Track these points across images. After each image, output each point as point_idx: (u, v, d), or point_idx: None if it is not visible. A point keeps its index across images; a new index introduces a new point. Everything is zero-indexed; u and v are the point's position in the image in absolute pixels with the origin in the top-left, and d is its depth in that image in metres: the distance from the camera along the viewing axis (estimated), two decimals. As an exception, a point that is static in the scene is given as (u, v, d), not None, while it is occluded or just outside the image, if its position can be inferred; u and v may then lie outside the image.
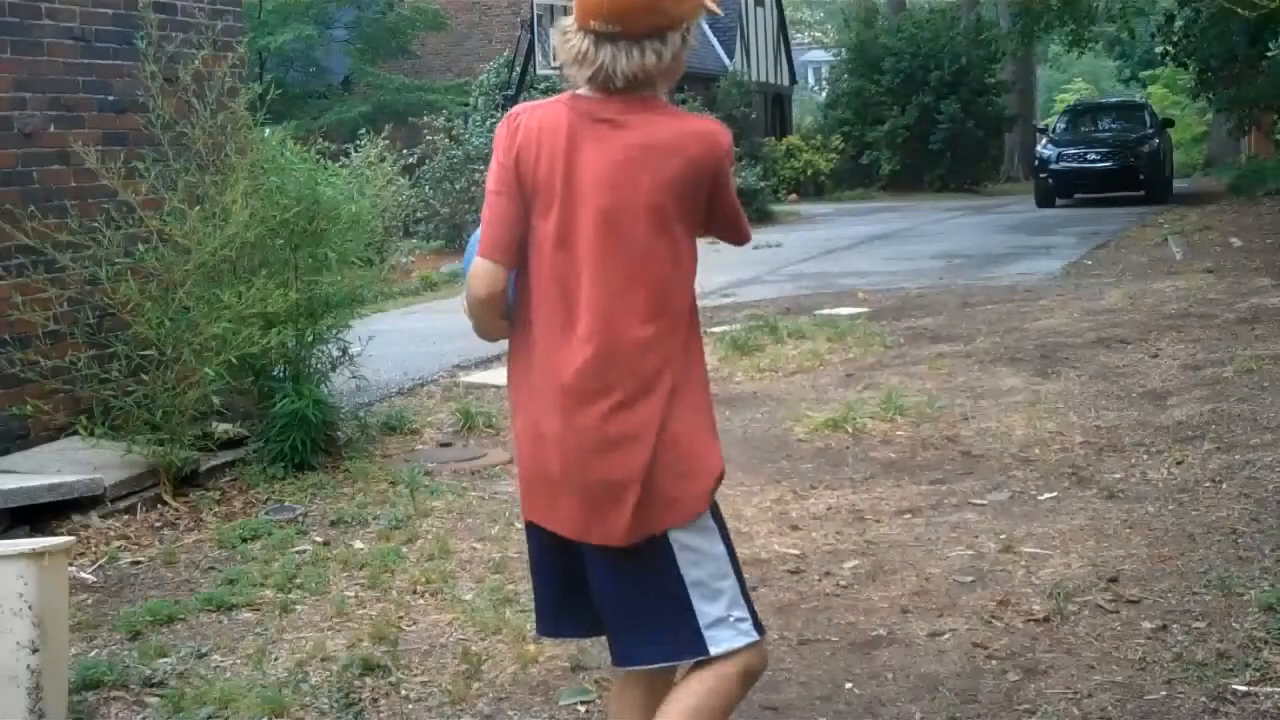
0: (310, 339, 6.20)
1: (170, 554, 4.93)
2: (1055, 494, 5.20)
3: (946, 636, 3.84)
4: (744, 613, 2.40)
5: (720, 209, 2.44)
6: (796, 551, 4.69)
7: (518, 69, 16.03)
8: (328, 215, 6.11)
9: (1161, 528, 4.66)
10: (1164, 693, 3.36)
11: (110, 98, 6.09)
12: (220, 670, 3.83)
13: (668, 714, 2.37)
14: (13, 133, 5.62)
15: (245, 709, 3.52)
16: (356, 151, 7.58)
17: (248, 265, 5.94)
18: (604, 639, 2.55)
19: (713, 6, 2.41)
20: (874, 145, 29.31)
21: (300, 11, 20.63)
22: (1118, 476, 5.35)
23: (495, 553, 4.80)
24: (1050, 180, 21.77)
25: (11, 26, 5.62)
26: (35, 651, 3.27)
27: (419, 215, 17.28)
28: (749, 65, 30.70)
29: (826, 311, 10.26)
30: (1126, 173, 21.31)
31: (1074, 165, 21.57)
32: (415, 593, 4.43)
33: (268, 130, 7.00)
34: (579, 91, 2.38)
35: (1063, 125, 23.90)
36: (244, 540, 5.05)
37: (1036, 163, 22.99)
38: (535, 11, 17.62)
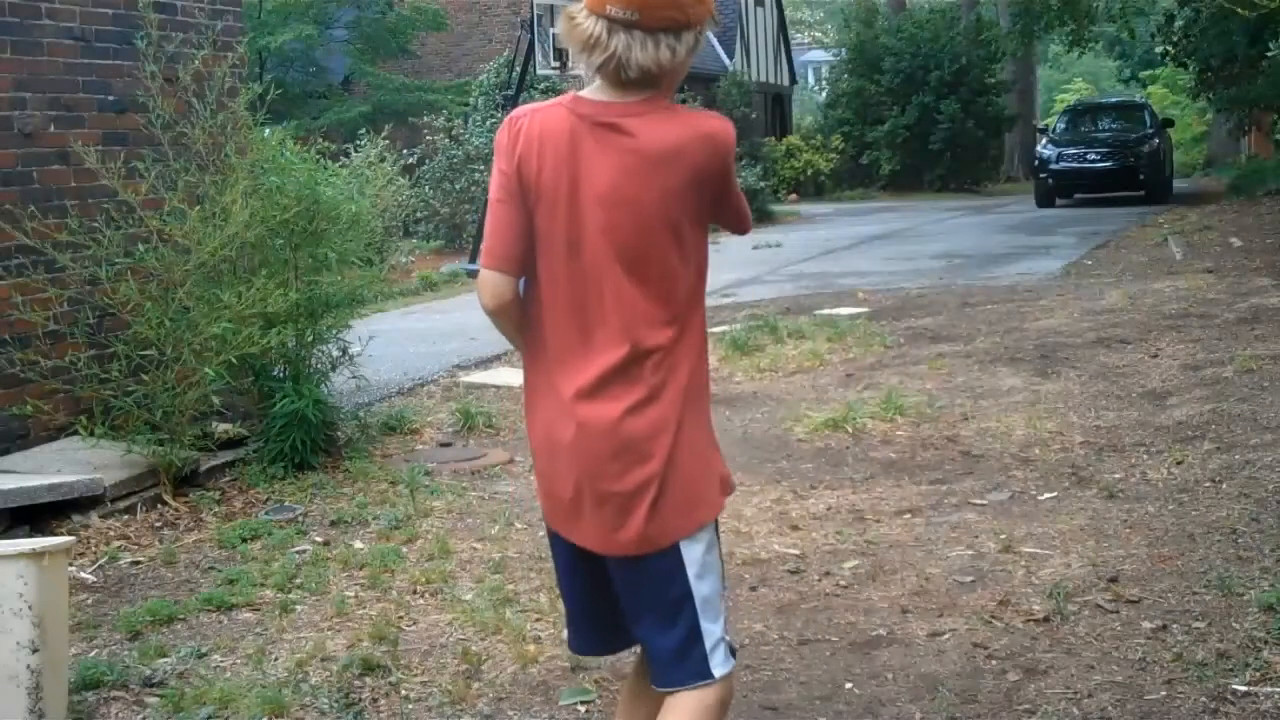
0: (310, 339, 6.20)
1: (170, 554, 4.93)
2: (1055, 494, 5.20)
3: (946, 636, 3.84)
4: (727, 635, 2.39)
5: (727, 203, 2.42)
6: (796, 551, 4.69)
7: (518, 69, 16.01)
8: (328, 215, 6.11)
9: (1161, 528, 4.66)
10: (1164, 693, 3.36)
11: (110, 98, 6.09)
12: (220, 670, 3.83)
13: None
14: (13, 133, 5.62)
15: (245, 709, 3.52)
16: (356, 151, 7.59)
17: (248, 265, 5.94)
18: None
19: (717, 17, 2.40)
20: (874, 145, 29.31)
21: (300, 11, 20.62)
22: (1118, 476, 5.35)
23: (495, 553, 4.80)
24: (1050, 180, 21.77)
25: (11, 26, 5.62)
26: (35, 651, 3.27)
27: (419, 215, 17.27)
28: (749, 65, 30.70)
29: (826, 311, 10.26)
30: (1126, 173, 21.30)
31: (1074, 165, 21.57)
32: (415, 593, 4.43)
33: (268, 130, 7.00)
34: (582, 93, 2.33)
35: (1063, 125, 23.90)
36: (244, 540, 5.05)
37: (1036, 163, 22.98)
38: (535, 11, 17.60)
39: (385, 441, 6.65)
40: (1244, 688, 3.34)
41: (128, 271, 5.60)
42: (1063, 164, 21.65)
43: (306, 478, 5.84)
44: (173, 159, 5.85)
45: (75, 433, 5.56)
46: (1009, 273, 12.56)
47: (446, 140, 18.51)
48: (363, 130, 13.03)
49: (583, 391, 2.29)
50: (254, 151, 6.13)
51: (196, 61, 6.01)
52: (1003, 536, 4.67)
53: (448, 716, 3.50)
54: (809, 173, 28.51)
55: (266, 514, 5.40)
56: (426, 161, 18.30)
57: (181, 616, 4.26)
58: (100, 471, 5.33)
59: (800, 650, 3.82)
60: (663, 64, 2.25)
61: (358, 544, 5.00)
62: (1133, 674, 3.48)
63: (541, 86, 19.18)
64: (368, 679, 3.72)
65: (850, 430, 6.35)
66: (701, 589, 2.32)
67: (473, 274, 15.00)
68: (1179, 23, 21.52)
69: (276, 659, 3.90)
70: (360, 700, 3.59)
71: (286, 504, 5.53)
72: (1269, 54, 14.89)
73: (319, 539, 5.09)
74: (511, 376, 8.05)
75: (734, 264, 14.00)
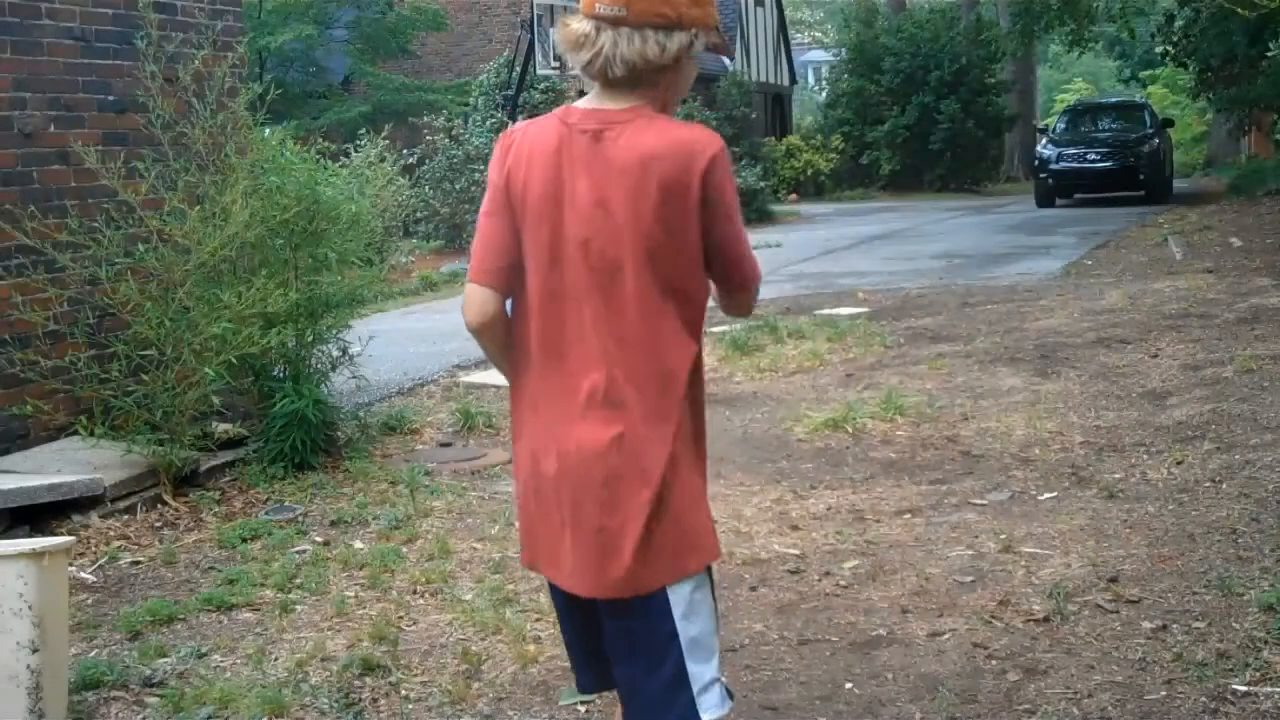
0: (310, 339, 6.20)
1: (170, 554, 4.93)
2: (1055, 494, 5.20)
3: (946, 636, 3.84)
4: (722, 676, 2.30)
5: (712, 236, 2.22)
6: (796, 551, 4.69)
7: (518, 69, 16.02)
8: (328, 215, 6.12)
9: (1161, 528, 4.66)
10: (1164, 693, 3.36)
11: (110, 98, 6.09)
12: (220, 670, 3.83)
13: None
14: (13, 133, 5.62)
15: (245, 709, 3.52)
16: (356, 151, 7.59)
17: (248, 265, 5.94)
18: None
19: (721, 41, 2.33)
20: (874, 145, 29.31)
21: (300, 11, 20.61)
22: (1118, 476, 5.35)
23: (495, 553, 4.80)
24: (1050, 180, 21.77)
25: (11, 26, 5.62)
26: (35, 651, 3.28)
27: (419, 215, 17.27)
28: (749, 65, 30.69)
29: (826, 311, 10.26)
30: (1126, 173, 21.30)
31: (1074, 165, 21.57)
32: (415, 593, 4.43)
33: (268, 130, 7.00)
34: (575, 103, 2.28)
35: (1063, 125, 23.90)
36: (244, 540, 5.05)
37: (1036, 163, 22.97)
38: (535, 11, 17.62)
39: (385, 441, 6.65)
40: (1244, 688, 3.34)
41: (128, 271, 5.60)
42: (1063, 164, 21.65)
43: (306, 478, 5.84)
44: (173, 159, 5.85)
45: (75, 433, 5.56)
46: (1009, 273, 12.56)
47: (446, 140, 18.51)
48: (363, 130, 13.02)
49: (566, 417, 2.21)
50: (254, 151, 6.13)
51: (196, 61, 6.01)
52: (1003, 536, 4.67)
53: (448, 716, 3.50)
54: (809, 173, 28.51)
55: (266, 514, 5.40)
56: (426, 161, 18.30)
57: (181, 616, 4.26)
58: (100, 471, 5.32)
59: (800, 650, 3.82)
60: (649, 59, 2.20)
61: (358, 544, 5.00)
62: (1133, 674, 3.48)
63: (541, 86, 19.18)
64: (368, 679, 3.72)
65: (850, 430, 6.35)
66: (689, 630, 2.22)
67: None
68: (1179, 23, 21.51)
69: (276, 659, 3.90)
70: (360, 700, 3.59)
71: (286, 504, 5.53)
72: (1269, 54, 14.87)
73: (319, 539, 5.09)
74: (511, 376, 8.04)
75: (734, 264, 13.98)
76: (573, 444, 2.21)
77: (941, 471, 5.66)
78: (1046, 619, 3.90)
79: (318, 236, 6.11)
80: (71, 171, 5.84)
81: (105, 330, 5.77)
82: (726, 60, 28.77)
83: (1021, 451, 5.84)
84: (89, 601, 4.47)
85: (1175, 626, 3.77)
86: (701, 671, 2.23)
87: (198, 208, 5.71)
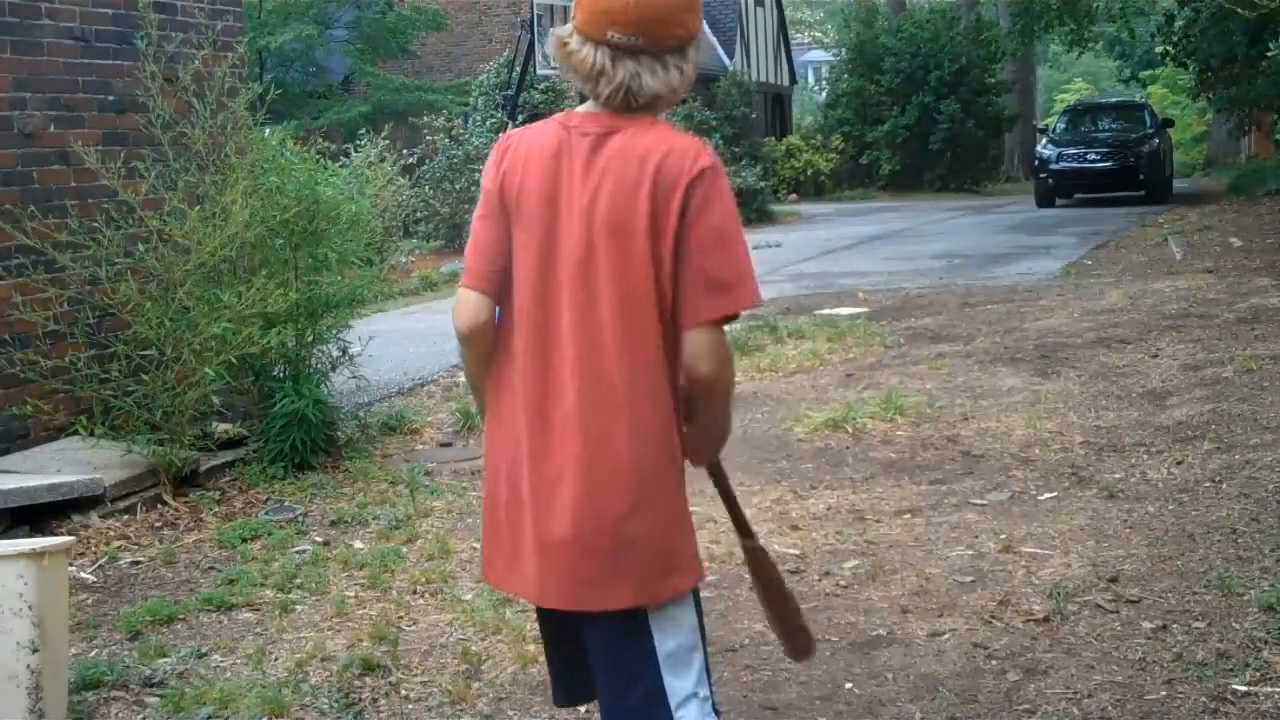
0: (310, 339, 6.20)
1: (170, 554, 4.93)
2: (1055, 494, 5.20)
3: (946, 636, 3.84)
4: (707, 691, 2.23)
5: (692, 243, 2.10)
6: (796, 551, 4.69)
7: (518, 69, 16.02)
8: (328, 215, 6.12)
9: (1161, 528, 4.66)
10: (1164, 693, 3.36)
11: (110, 98, 6.09)
12: (220, 670, 3.83)
13: None
14: (13, 133, 5.62)
15: (245, 709, 3.52)
16: (356, 151, 7.59)
17: (248, 265, 5.94)
18: None
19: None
20: (874, 145, 29.31)
21: (300, 11, 20.60)
22: (1118, 476, 5.35)
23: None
24: (1050, 180, 21.77)
25: (11, 26, 5.62)
26: (35, 651, 3.28)
27: (419, 215, 17.27)
28: (749, 65, 30.69)
29: (826, 311, 10.26)
30: (1126, 173, 21.30)
31: (1074, 165, 21.57)
32: (415, 593, 4.43)
33: (268, 130, 7.00)
34: (576, 109, 2.24)
35: (1063, 125, 23.90)
36: (244, 540, 5.05)
37: (1036, 163, 22.98)
38: (535, 11, 17.62)
39: (385, 441, 6.66)
40: (1244, 688, 3.34)
41: (128, 271, 5.60)
42: (1063, 164, 21.65)
43: (306, 478, 5.85)
44: (173, 159, 5.86)
45: (75, 433, 5.56)
46: (1009, 273, 12.56)
47: (446, 140, 18.51)
48: (363, 130, 13.01)
49: (543, 427, 2.16)
50: (254, 151, 6.13)
51: (196, 61, 6.01)
52: (1003, 536, 4.67)
53: (448, 716, 3.50)
54: (809, 173, 28.50)
55: (266, 514, 5.40)
56: (426, 161, 18.29)
57: (181, 616, 4.26)
58: (100, 471, 5.32)
59: (800, 650, 3.82)
60: (675, 87, 2.17)
61: (358, 544, 5.00)
62: (1133, 674, 3.48)
63: (541, 86, 19.18)
64: (368, 679, 3.72)
65: (850, 430, 6.35)
66: (666, 644, 2.18)
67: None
68: (1179, 23, 21.49)
69: (276, 659, 3.90)
70: (360, 700, 3.59)
71: (286, 504, 5.53)
72: (1269, 54, 14.83)
73: (319, 539, 5.09)
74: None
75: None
76: (547, 453, 2.16)
77: (941, 471, 5.66)
78: (1046, 619, 3.90)
79: (318, 236, 6.11)
80: (71, 171, 5.84)
81: (105, 330, 5.78)
82: (726, 60, 28.78)
83: (1021, 451, 5.84)
84: (89, 601, 4.47)
85: (1175, 626, 3.77)
86: (680, 686, 2.18)
87: (198, 208, 5.71)
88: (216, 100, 5.99)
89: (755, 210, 21.10)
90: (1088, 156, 21.61)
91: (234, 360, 5.57)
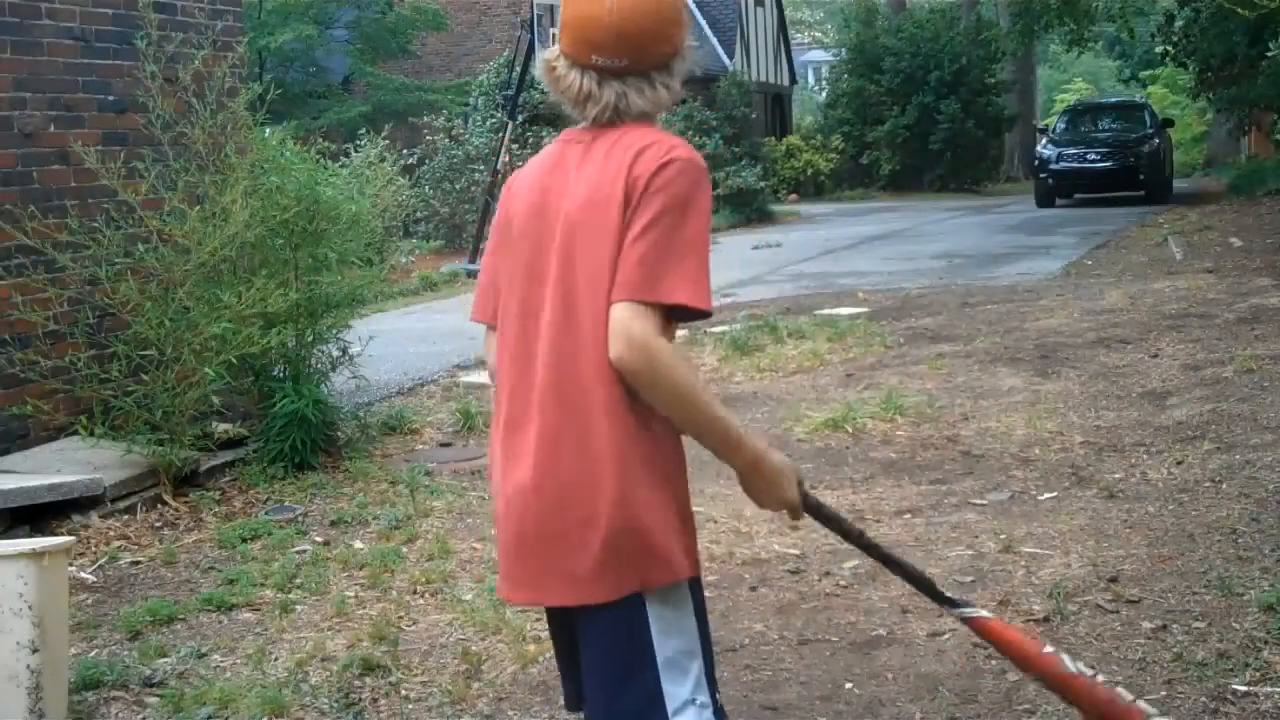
0: (310, 339, 6.20)
1: (170, 554, 4.93)
2: (1055, 494, 5.20)
3: (946, 636, 3.84)
4: (707, 698, 2.16)
5: (634, 224, 2.02)
6: (796, 551, 4.69)
7: (518, 69, 16.01)
8: (328, 215, 6.12)
9: (1161, 528, 4.66)
10: (1164, 693, 3.36)
11: (110, 98, 6.09)
12: (220, 670, 3.83)
13: None
14: (13, 133, 5.62)
15: (245, 709, 3.52)
16: (356, 151, 7.59)
17: (248, 265, 5.94)
18: None
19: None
20: (874, 145, 29.31)
21: (300, 11, 20.61)
22: (1118, 476, 5.35)
23: (495, 553, 4.79)
24: (1050, 180, 21.77)
25: (11, 26, 5.62)
26: (35, 651, 3.28)
27: (419, 215, 17.29)
28: (749, 65, 30.68)
29: (826, 311, 10.26)
30: (1126, 173, 21.30)
31: (1074, 165, 21.57)
32: (415, 593, 4.43)
33: (268, 130, 7.00)
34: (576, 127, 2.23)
35: (1063, 125, 23.90)
36: (244, 540, 5.05)
37: (1036, 163, 22.97)
38: (535, 11, 17.62)
39: (385, 441, 6.66)
40: (1244, 688, 3.34)
41: (128, 271, 5.60)
42: (1063, 164, 21.65)
43: (306, 478, 5.85)
44: (173, 159, 5.86)
45: (75, 433, 5.56)
46: (1009, 273, 12.56)
47: (446, 140, 18.52)
48: (363, 130, 13.02)
49: (528, 421, 2.13)
50: (254, 151, 6.14)
51: (196, 61, 6.01)
52: (1003, 536, 4.67)
53: (448, 716, 3.50)
54: (809, 173, 28.50)
55: (266, 514, 5.40)
56: (426, 161, 18.31)
57: (181, 616, 4.26)
58: (100, 471, 5.33)
59: (800, 650, 3.82)
60: (662, 104, 2.16)
61: (358, 544, 5.00)
62: (1133, 674, 3.48)
63: (541, 86, 19.16)
64: (368, 679, 3.72)
65: (850, 430, 6.35)
66: (665, 647, 2.12)
67: (473, 274, 15.05)
68: (1179, 23, 21.50)
69: (276, 659, 3.90)
70: (360, 700, 3.59)
71: (286, 504, 5.54)
72: (1269, 54, 14.84)
73: (319, 539, 5.09)
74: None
75: (734, 264, 14.01)
76: (526, 447, 2.13)
77: (941, 471, 5.66)
78: (1046, 619, 3.90)
79: (318, 236, 6.11)
80: (71, 171, 5.84)
81: (105, 330, 5.78)
82: (726, 60, 28.78)
83: (1021, 451, 5.84)
84: (89, 601, 4.47)
85: (1175, 626, 3.77)
86: (677, 691, 2.12)
87: (198, 208, 5.71)
88: (216, 100, 5.99)
89: (755, 210, 21.11)
90: (1088, 156, 21.61)
91: (234, 360, 5.57)
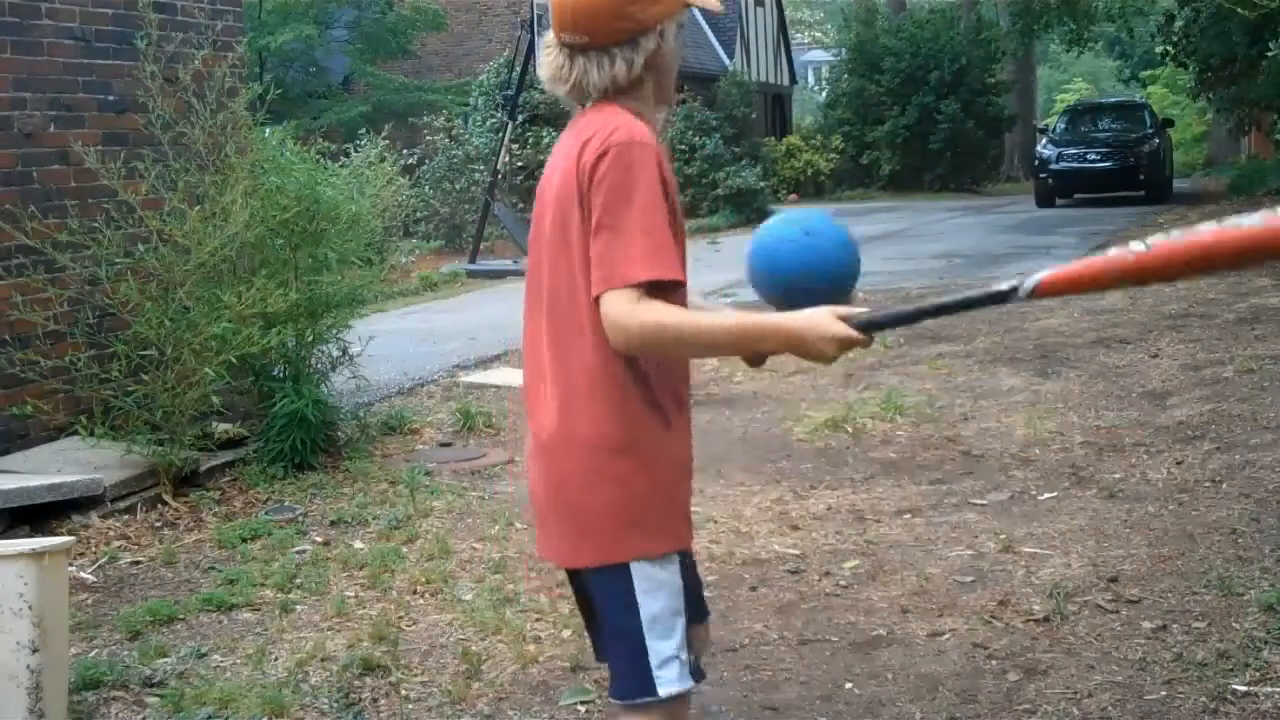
0: (310, 339, 6.20)
1: (170, 554, 4.93)
2: (1055, 494, 5.20)
3: (946, 636, 3.84)
4: (687, 654, 2.28)
5: (591, 223, 2.10)
6: (796, 551, 4.69)
7: (518, 69, 16.01)
8: (328, 215, 6.12)
9: (1161, 528, 4.66)
10: (1164, 693, 3.36)
11: (110, 98, 6.09)
12: (220, 670, 3.83)
13: None
14: (13, 133, 5.62)
15: (245, 709, 3.52)
16: (356, 151, 7.59)
17: (248, 265, 5.94)
18: None
19: (707, 3, 2.24)
20: (874, 145, 29.30)
21: (300, 11, 20.60)
22: (1118, 476, 5.35)
23: (495, 553, 4.80)
24: (1050, 180, 21.77)
25: (11, 26, 5.61)
26: (35, 651, 3.27)
27: (419, 215, 17.27)
28: (749, 65, 30.69)
29: (826, 311, 10.23)
30: (1126, 173, 21.31)
31: (1074, 165, 21.58)
32: (415, 593, 4.43)
33: (268, 130, 7.00)
34: None
35: (1063, 125, 23.90)
36: (244, 540, 5.05)
37: (1036, 163, 22.97)
38: (535, 11, 17.62)
39: (385, 441, 6.65)
40: (1244, 688, 3.34)
41: (128, 271, 5.60)
42: (1063, 164, 21.65)
43: (306, 478, 5.85)
44: (173, 159, 5.85)
45: (75, 433, 5.56)
46: (1009, 273, 12.48)
47: (446, 140, 18.51)
48: (363, 130, 13.02)
49: (533, 407, 2.29)
50: (254, 151, 6.13)
51: (196, 61, 6.01)
52: (1003, 536, 4.67)
53: (448, 716, 3.50)
54: (809, 173, 28.49)
55: (266, 514, 5.40)
56: (426, 161, 18.30)
57: (181, 616, 4.26)
58: (100, 471, 5.33)
59: (800, 650, 3.82)
60: (619, 80, 2.18)
61: (358, 544, 5.00)
62: (1133, 674, 3.48)
63: (541, 86, 19.15)
64: (368, 679, 3.72)
65: (850, 430, 6.35)
66: (650, 606, 2.21)
67: (473, 274, 15.06)
68: (1179, 23, 21.48)
69: (276, 659, 3.90)
70: (360, 700, 3.59)
71: (286, 504, 5.53)
72: (1269, 54, 14.83)
73: (319, 539, 5.09)
74: (511, 376, 8.05)
75: (734, 264, 13.98)
76: (534, 431, 2.29)
77: (941, 471, 5.66)
78: (1046, 619, 3.90)
79: (318, 236, 6.11)
80: (71, 171, 5.84)
81: (105, 330, 5.77)
82: (726, 60, 28.79)
83: (1021, 451, 5.84)
84: (89, 601, 4.46)
85: (1175, 626, 3.77)
86: (661, 647, 2.24)
87: (198, 208, 5.71)
88: (216, 100, 5.99)
89: (755, 210, 21.09)
90: (1088, 156, 21.61)
91: (234, 360, 5.56)
